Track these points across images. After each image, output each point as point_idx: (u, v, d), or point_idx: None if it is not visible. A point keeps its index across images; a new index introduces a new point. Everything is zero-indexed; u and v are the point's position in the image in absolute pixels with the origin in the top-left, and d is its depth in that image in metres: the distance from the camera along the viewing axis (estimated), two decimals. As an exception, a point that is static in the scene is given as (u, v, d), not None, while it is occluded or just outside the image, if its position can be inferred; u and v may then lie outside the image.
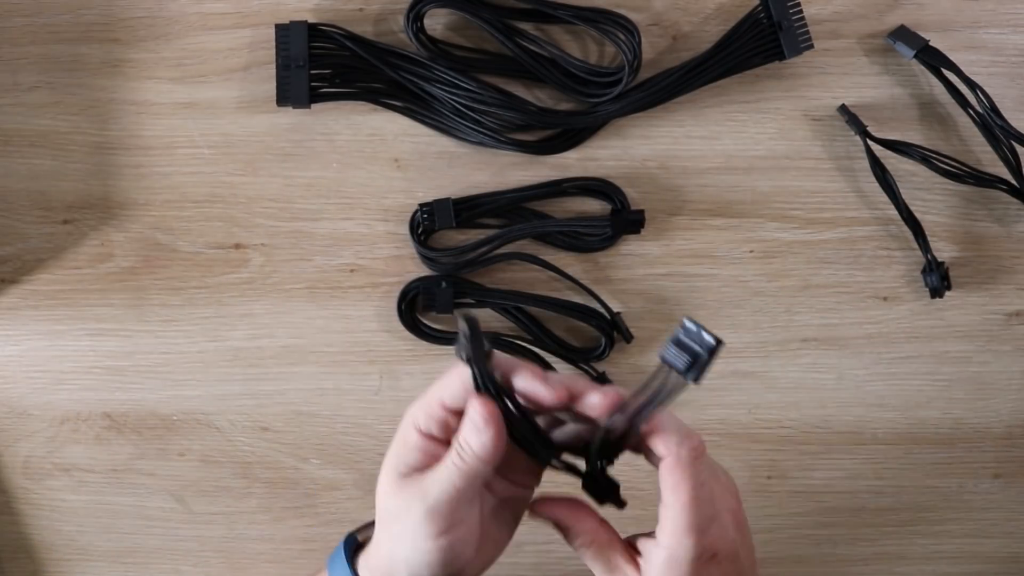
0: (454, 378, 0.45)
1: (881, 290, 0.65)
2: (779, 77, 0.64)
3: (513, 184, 0.64)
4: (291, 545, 0.65)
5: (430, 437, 0.47)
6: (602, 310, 0.64)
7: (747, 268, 0.64)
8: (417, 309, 0.63)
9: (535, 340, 0.64)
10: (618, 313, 0.64)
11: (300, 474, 0.64)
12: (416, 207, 0.62)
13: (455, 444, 0.45)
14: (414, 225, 0.63)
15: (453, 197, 0.62)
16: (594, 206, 0.63)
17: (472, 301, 0.63)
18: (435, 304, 0.62)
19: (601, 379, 0.64)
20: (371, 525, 0.50)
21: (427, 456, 0.47)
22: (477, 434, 0.45)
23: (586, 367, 0.64)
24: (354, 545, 0.51)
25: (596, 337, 0.64)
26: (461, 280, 0.63)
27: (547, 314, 0.64)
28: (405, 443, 0.47)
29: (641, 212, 0.63)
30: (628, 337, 0.64)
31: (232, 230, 0.64)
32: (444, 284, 0.62)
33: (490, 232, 0.63)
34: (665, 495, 0.46)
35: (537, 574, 0.65)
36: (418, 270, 0.63)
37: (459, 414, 0.46)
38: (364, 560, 0.49)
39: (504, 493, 0.49)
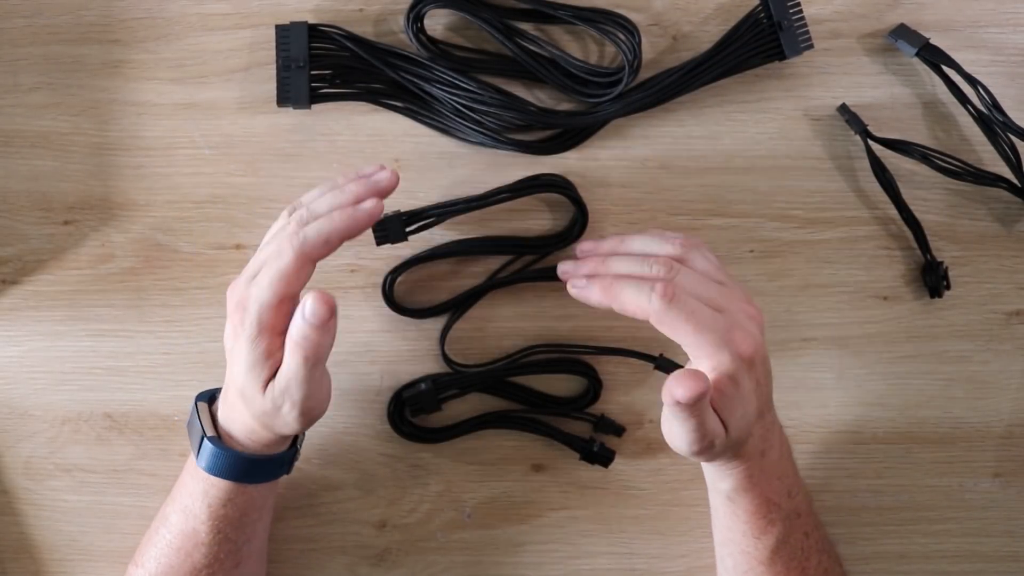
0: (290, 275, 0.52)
1: (881, 289, 0.65)
2: (779, 77, 0.64)
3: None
4: (291, 545, 0.65)
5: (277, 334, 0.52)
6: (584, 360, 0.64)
7: (747, 268, 0.64)
8: (407, 411, 0.64)
9: (527, 407, 0.64)
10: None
11: (300, 474, 0.64)
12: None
13: (288, 339, 0.51)
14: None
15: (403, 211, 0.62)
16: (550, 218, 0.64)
17: (457, 391, 0.64)
18: (423, 406, 0.63)
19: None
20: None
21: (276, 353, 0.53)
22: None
23: (580, 415, 0.64)
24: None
25: (583, 383, 0.65)
26: (440, 376, 0.64)
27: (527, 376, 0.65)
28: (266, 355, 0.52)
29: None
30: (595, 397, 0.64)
31: (232, 230, 0.64)
32: (424, 385, 0.63)
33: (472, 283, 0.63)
34: (677, 339, 0.51)
35: (537, 574, 0.66)
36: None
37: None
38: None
39: None
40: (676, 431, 0.51)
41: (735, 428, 0.52)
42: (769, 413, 0.56)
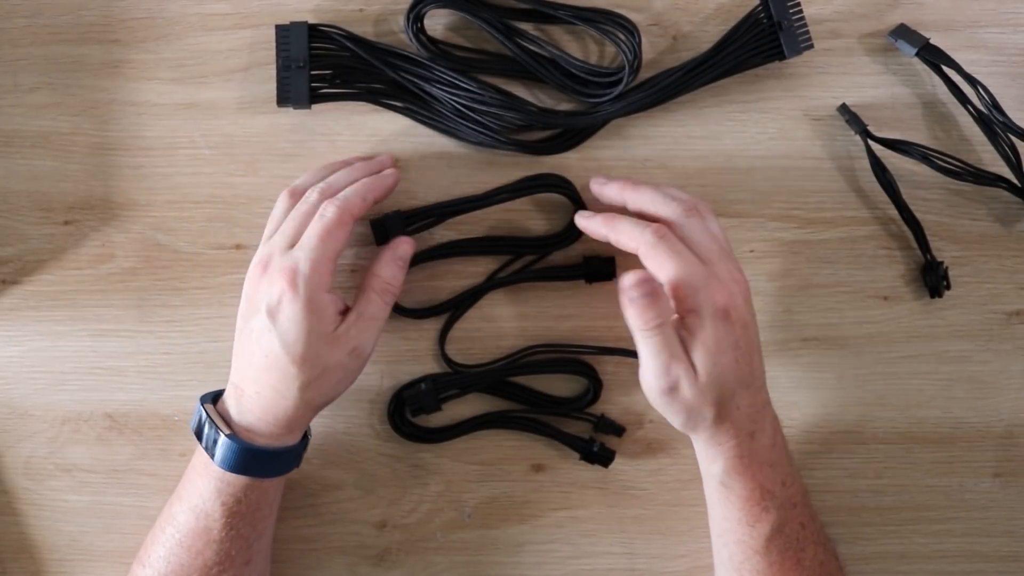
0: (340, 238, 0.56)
1: (881, 289, 0.65)
2: (779, 77, 0.64)
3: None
4: (291, 545, 0.65)
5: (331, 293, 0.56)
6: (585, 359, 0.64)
7: (747, 268, 0.64)
8: (407, 413, 0.64)
9: (527, 407, 0.64)
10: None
11: (300, 474, 0.64)
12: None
13: (376, 284, 0.58)
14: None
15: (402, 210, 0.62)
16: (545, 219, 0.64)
17: (457, 391, 0.64)
18: (423, 406, 0.63)
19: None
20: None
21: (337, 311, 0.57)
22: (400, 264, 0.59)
23: (580, 415, 0.65)
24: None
25: (583, 383, 0.65)
26: (440, 376, 0.64)
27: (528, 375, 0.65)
28: (326, 311, 0.55)
29: (612, 260, 0.63)
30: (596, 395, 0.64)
31: (233, 230, 0.64)
32: (424, 385, 0.63)
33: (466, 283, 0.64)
34: (659, 275, 0.54)
35: (537, 574, 0.66)
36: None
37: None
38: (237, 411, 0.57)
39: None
40: (643, 359, 0.54)
41: (705, 373, 0.54)
42: (759, 392, 0.56)
